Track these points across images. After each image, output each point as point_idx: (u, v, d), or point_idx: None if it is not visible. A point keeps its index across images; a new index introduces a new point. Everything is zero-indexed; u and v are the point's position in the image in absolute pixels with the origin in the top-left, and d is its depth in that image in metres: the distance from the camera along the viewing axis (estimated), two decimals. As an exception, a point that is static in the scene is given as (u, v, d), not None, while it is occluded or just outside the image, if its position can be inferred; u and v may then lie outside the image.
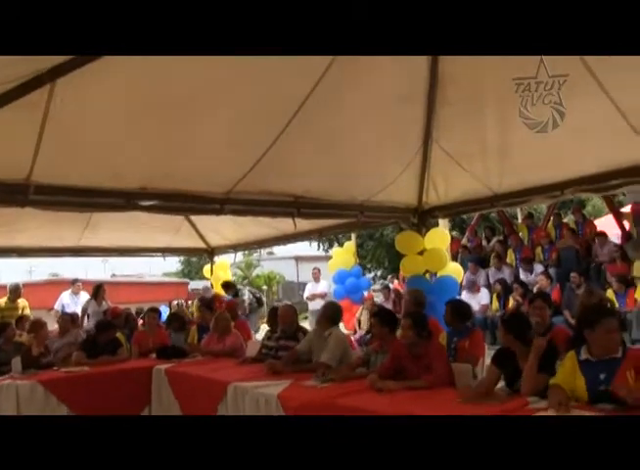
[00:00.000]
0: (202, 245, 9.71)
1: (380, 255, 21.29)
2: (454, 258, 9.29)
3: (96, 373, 5.31)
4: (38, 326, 5.92)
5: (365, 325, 8.93)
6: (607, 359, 3.00)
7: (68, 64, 3.27)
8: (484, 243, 11.53)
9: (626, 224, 9.74)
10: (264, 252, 30.96)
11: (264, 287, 25.42)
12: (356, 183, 5.92)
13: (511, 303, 8.77)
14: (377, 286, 14.65)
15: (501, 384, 3.68)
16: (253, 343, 6.12)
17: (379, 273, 22.04)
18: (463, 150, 5.42)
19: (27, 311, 8.18)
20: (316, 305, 10.26)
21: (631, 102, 4.14)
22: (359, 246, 11.88)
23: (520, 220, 11.94)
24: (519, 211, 11.98)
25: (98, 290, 8.60)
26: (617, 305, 7.31)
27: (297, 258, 31.51)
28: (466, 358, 4.38)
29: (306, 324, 8.02)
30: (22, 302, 8.26)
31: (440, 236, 6.91)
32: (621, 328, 3.95)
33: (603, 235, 9.24)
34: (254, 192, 5.50)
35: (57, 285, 12.56)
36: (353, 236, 11.29)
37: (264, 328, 7.27)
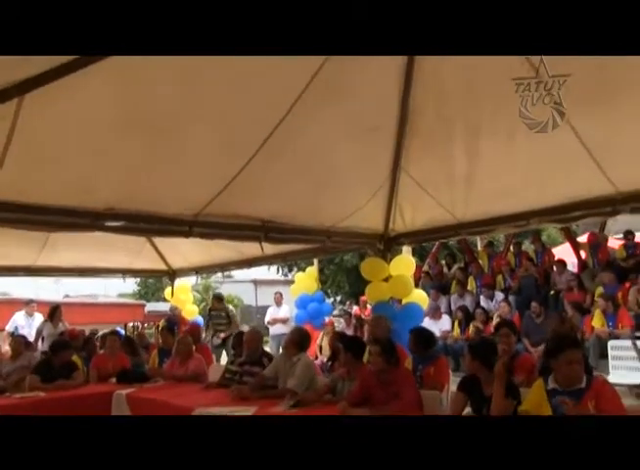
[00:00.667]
0: (163, 267, 9.54)
1: (340, 280, 21.28)
2: (416, 285, 9.37)
3: (52, 399, 5.09)
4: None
5: (326, 351, 8.87)
6: (572, 390, 3.06)
7: (37, 78, 3.17)
8: (445, 270, 11.70)
9: (583, 254, 10.01)
10: (221, 275, 30.51)
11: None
12: (324, 208, 5.92)
13: (471, 329, 8.89)
14: (336, 311, 14.62)
15: (467, 410, 3.72)
16: (215, 367, 6.02)
17: (338, 298, 22.00)
18: (430, 178, 5.51)
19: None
20: (277, 329, 10.20)
21: (595, 136, 4.29)
22: (320, 271, 11.90)
23: (480, 248, 12.17)
24: (478, 239, 12.22)
25: (54, 311, 8.34)
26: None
27: (256, 282, 31.10)
28: (432, 385, 4.43)
29: (267, 348, 7.92)
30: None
31: (406, 263, 6.96)
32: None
33: (562, 263, 9.46)
34: (223, 215, 5.44)
35: (8, 305, 12.05)
36: (316, 261, 11.28)
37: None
